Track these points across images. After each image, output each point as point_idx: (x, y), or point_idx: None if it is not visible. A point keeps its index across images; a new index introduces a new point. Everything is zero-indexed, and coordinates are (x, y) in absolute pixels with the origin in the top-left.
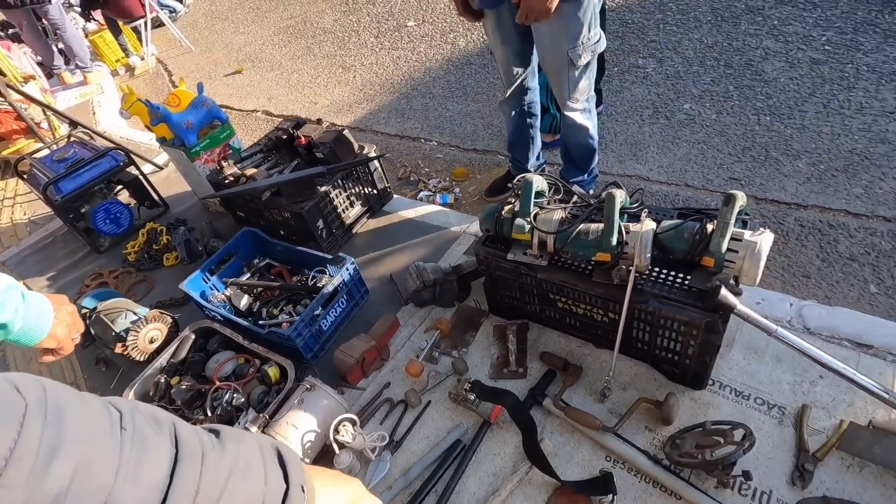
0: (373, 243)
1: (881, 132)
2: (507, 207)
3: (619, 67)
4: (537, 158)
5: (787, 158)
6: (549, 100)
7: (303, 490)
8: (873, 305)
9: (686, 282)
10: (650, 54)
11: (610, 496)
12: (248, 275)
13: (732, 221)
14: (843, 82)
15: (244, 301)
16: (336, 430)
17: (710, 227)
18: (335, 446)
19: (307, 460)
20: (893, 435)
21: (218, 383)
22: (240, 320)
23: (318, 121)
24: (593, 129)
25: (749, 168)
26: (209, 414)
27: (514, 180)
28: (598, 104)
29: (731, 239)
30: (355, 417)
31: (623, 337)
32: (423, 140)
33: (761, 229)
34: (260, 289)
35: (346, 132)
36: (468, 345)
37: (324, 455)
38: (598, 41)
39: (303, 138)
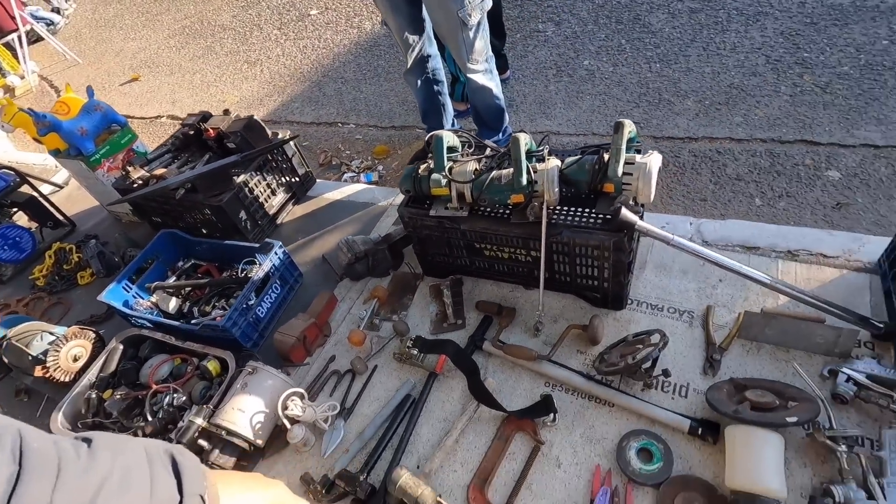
0: (301, 228)
1: (752, 66)
2: (423, 166)
3: (521, 34)
4: (452, 125)
5: (678, 99)
6: (458, 68)
7: (202, 500)
8: (759, 215)
9: (592, 211)
10: (548, 18)
11: (552, 415)
12: (174, 278)
13: (623, 147)
14: (718, 26)
15: (172, 304)
16: (285, 407)
17: (606, 157)
18: (286, 422)
19: (260, 441)
20: (780, 317)
21: (155, 387)
22: (170, 321)
23: (226, 112)
24: (497, 88)
25: (646, 111)
26: (150, 419)
27: (427, 138)
28: (504, 69)
29: (625, 163)
30: (303, 391)
31: (546, 272)
32: (340, 124)
33: (650, 152)
34: (188, 289)
35: (255, 118)
36: (407, 308)
37: (278, 434)
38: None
39: (211, 131)
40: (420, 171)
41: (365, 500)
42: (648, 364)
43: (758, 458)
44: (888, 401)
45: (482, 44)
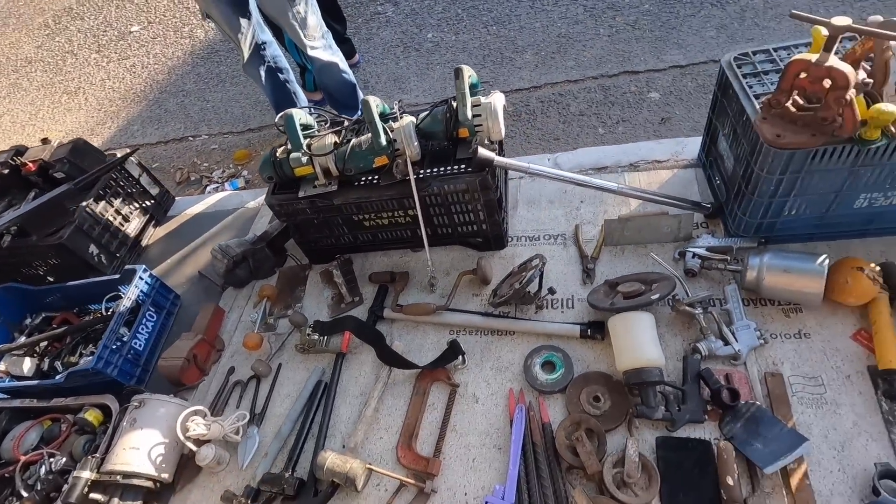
0: (169, 249)
1: (574, 16)
2: (280, 149)
3: (362, 18)
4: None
5: (517, 55)
6: (302, 55)
7: None
8: (604, 141)
9: (455, 160)
10: (387, 0)
11: (461, 358)
12: (23, 338)
13: (467, 91)
14: None
15: (27, 365)
16: (185, 430)
17: (454, 103)
18: (191, 445)
19: (166, 475)
20: (634, 218)
21: (23, 458)
22: (26, 383)
23: (45, 141)
24: (342, 63)
25: (492, 71)
26: (25, 494)
27: (276, 119)
28: (352, 54)
29: (473, 106)
30: (203, 409)
31: (428, 228)
32: (190, 138)
33: (492, 92)
34: (44, 343)
35: (83, 140)
36: (301, 300)
37: (187, 462)
38: None
39: (31, 164)
40: (278, 153)
41: (295, 496)
42: (536, 287)
43: (635, 337)
44: (724, 264)
45: (315, 19)
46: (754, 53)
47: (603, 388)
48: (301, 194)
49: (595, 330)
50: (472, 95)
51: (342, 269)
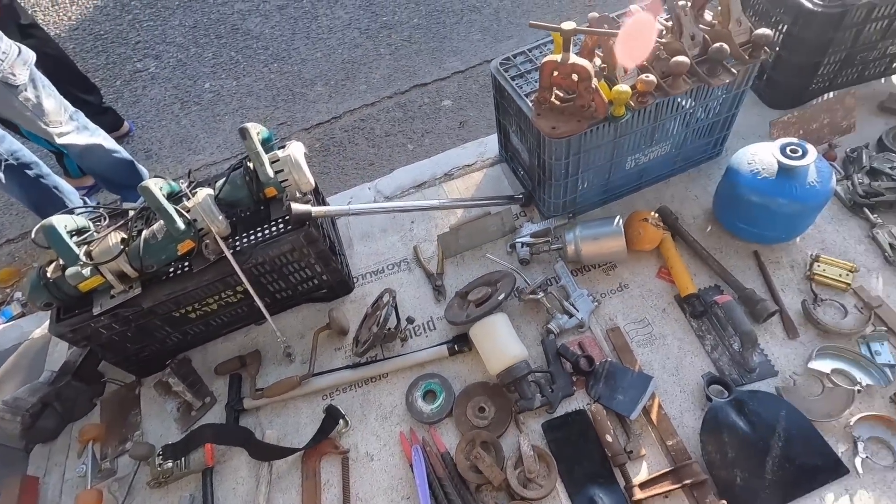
0: None
1: (351, 40)
2: (50, 268)
3: (121, 79)
4: (85, 205)
5: (308, 88)
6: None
7: None
8: (416, 156)
9: (272, 221)
10: (145, 55)
11: (341, 422)
12: None
13: (260, 149)
14: (308, 15)
15: None
16: None
17: (252, 165)
18: None
19: None
20: (462, 226)
21: None
22: None
23: None
24: (106, 140)
25: (286, 110)
26: None
27: (33, 234)
28: (119, 124)
29: (272, 163)
30: None
31: (265, 298)
32: None
33: (288, 143)
34: None
35: None
36: (138, 425)
37: None
38: (17, 53)
39: None
40: (49, 273)
41: None
42: (394, 321)
43: (496, 340)
44: (548, 245)
45: (53, 101)
46: (514, 56)
47: (484, 397)
48: (97, 310)
49: (461, 344)
50: (268, 151)
51: (179, 374)
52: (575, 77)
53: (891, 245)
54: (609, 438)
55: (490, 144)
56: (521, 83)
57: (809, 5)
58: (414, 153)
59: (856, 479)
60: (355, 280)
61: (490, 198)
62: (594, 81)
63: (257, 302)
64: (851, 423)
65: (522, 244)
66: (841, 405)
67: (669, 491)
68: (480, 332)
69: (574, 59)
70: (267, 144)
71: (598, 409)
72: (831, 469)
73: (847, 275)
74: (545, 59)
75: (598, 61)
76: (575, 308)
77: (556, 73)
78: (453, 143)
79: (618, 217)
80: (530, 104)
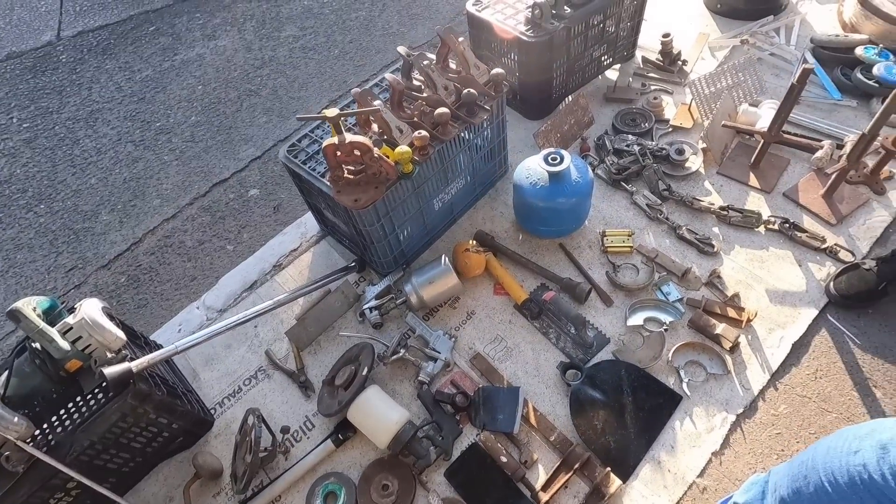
0: None
1: (127, 156)
2: None
3: None
4: None
5: (91, 221)
6: None
7: None
8: (239, 256)
9: (88, 395)
10: None
11: None
12: None
13: (42, 325)
14: (67, 140)
15: None
16: None
17: (38, 345)
18: None
19: None
20: (307, 313)
21: None
22: None
23: None
24: None
25: (72, 252)
26: None
27: None
28: None
29: (64, 333)
30: None
31: (108, 479)
32: None
33: (77, 304)
34: None
35: None
36: None
37: None
38: None
39: None
40: None
41: None
42: (269, 440)
43: (374, 414)
44: (393, 302)
45: None
46: (300, 141)
47: (384, 473)
48: None
49: (344, 431)
50: (55, 321)
51: None
52: (357, 152)
53: (647, 205)
54: (504, 458)
55: (310, 223)
56: (313, 164)
57: (525, 38)
58: (236, 253)
59: (688, 401)
60: (213, 411)
61: (325, 276)
62: (375, 151)
63: (99, 489)
64: (670, 358)
65: (371, 309)
66: (658, 346)
67: (567, 480)
68: (357, 412)
69: (350, 137)
70: (52, 313)
71: (487, 436)
72: (671, 400)
73: (627, 239)
74: (325, 144)
75: (375, 127)
76: (436, 351)
77: (339, 154)
78: (273, 230)
79: (443, 256)
80: (328, 183)
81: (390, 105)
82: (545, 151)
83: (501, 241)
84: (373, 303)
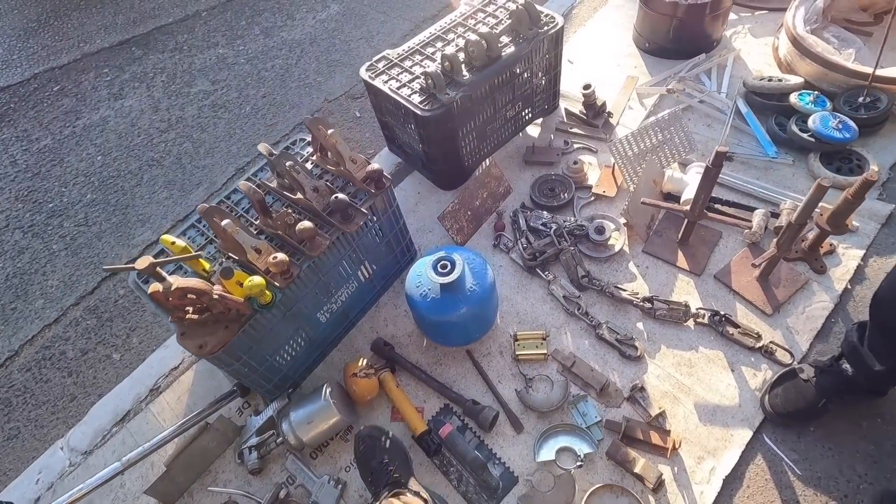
0: None
1: (14, 245)
2: None
3: None
4: None
5: None
6: None
7: None
8: (126, 366)
9: None
10: None
11: None
12: None
13: None
14: None
15: None
16: None
17: None
18: None
19: None
20: (177, 458)
21: None
22: None
23: None
24: None
25: None
26: None
27: None
28: None
29: None
30: None
31: None
32: None
33: None
34: None
35: None
36: None
37: None
38: None
39: None
40: None
41: None
42: None
43: None
44: (274, 441)
45: None
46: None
47: None
48: None
49: None
50: None
51: None
52: (192, 296)
53: (564, 297)
54: None
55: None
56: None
57: (420, 113)
58: (123, 362)
59: None
60: None
61: (203, 410)
62: (216, 290)
63: None
64: None
65: (250, 449)
66: (571, 489)
67: None
68: None
69: (181, 282)
70: None
71: None
72: None
73: (541, 344)
74: (150, 290)
75: (217, 266)
76: None
77: (171, 299)
78: (165, 332)
79: (325, 387)
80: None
81: (258, 211)
82: (434, 257)
83: (404, 348)
84: (252, 440)
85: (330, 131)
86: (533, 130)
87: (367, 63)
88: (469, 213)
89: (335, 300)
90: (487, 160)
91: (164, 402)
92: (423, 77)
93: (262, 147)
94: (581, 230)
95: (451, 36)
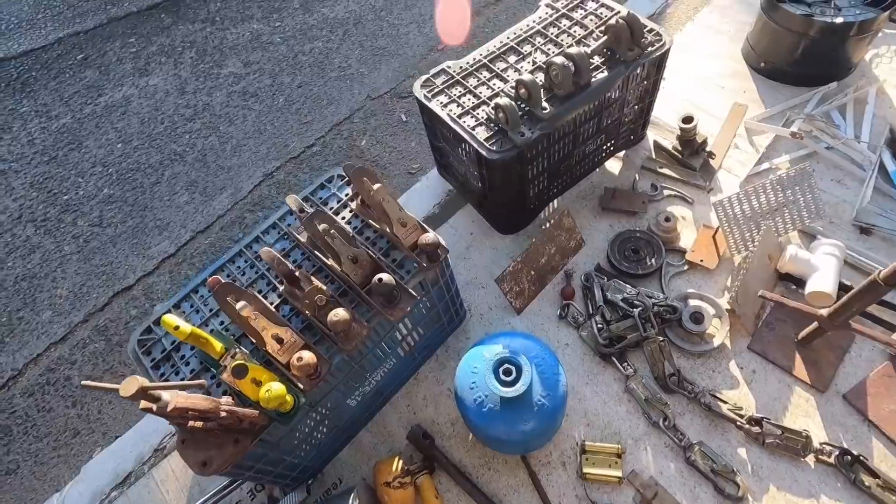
0: None
1: (24, 242)
2: None
3: None
4: None
5: None
6: None
7: None
8: (132, 406)
9: None
10: None
11: None
12: None
13: None
14: None
15: None
16: None
17: None
18: None
19: None
20: None
21: None
22: None
23: None
24: None
25: None
26: None
27: None
28: None
29: None
30: None
31: None
32: None
33: None
34: None
35: None
36: None
37: None
38: None
39: None
40: None
41: None
42: None
43: None
44: None
45: None
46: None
47: None
48: None
49: None
50: None
51: None
52: (195, 413)
53: (646, 400)
54: None
55: None
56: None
57: (485, 153)
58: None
59: None
60: None
61: (214, 493)
62: (224, 405)
63: None
64: None
65: None
66: None
67: None
68: None
69: (181, 402)
70: None
71: None
72: None
73: (615, 463)
74: (142, 408)
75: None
76: None
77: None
78: None
79: (352, 497)
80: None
81: (286, 281)
82: (494, 354)
83: (446, 440)
84: None
85: (376, 186)
86: (613, 165)
87: (423, 77)
88: (532, 272)
89: (368, 383)
90: (555, 202)
91: (169, 470)
92: (493, 108)
93: (292, 201)
94: (672, 313)
95: (526, 48)
